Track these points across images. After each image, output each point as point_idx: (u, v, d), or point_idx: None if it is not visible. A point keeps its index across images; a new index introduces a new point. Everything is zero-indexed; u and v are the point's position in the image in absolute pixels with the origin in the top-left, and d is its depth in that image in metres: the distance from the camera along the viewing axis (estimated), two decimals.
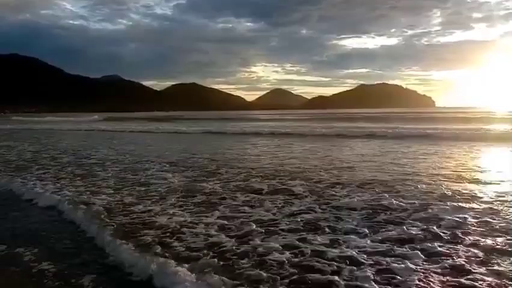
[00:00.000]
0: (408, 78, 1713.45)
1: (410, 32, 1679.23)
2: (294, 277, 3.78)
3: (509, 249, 4.28)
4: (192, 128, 31.39)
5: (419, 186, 7.47)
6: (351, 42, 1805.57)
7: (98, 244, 4.91)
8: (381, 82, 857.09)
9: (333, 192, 7.14)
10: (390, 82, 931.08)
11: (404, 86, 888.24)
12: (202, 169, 10.06)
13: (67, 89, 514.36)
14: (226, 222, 5.49)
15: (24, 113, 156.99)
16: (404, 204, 6.14)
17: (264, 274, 3.80)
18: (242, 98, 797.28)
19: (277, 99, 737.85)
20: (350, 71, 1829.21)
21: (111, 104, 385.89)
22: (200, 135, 26.33)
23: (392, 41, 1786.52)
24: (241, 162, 11.26)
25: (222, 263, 4.11)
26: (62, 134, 28.03)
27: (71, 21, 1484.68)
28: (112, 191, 7.57)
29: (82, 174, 9.60)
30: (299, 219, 5.55)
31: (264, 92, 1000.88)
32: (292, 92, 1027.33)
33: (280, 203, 6.47)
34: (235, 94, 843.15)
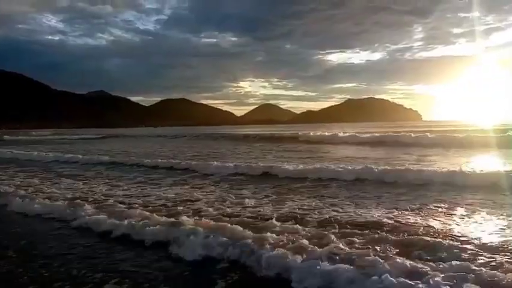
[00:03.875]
0: (394, 92, 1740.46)
1: (393, 47, 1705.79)
2: None
3: None
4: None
5: None
6: (337, 57, 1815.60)
7: None
8: (369, 96, 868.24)
9: None
10: (377, 96, 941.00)
11: (391, 100, 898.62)
12: None
13: (52, 104, 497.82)
14: None
15: (9, 130, 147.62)
16: None
17: None
18: (232, 113, 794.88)
19: (267, 114, 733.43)
20: (337, 85, 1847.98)
21: (100, 120, 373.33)
22: None
23: (376, 56, 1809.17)
24: None
25: None
26: None
27: (49, 37, 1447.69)
28: None
29: None
30: None
31: (253, 107, 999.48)
32: (281, 106, 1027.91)
33: None
34: (223, 109, 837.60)
